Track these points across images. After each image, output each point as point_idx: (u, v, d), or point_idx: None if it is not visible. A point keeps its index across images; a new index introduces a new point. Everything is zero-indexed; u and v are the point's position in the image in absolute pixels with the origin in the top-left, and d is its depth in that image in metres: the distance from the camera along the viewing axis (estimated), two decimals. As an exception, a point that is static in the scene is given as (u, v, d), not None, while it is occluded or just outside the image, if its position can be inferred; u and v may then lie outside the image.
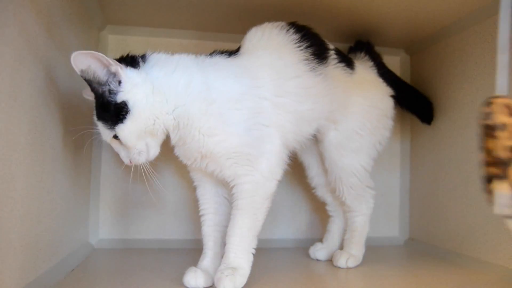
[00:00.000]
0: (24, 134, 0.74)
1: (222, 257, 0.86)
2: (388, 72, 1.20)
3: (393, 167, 1.41)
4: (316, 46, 0.96)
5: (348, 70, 1.05)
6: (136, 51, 1.23)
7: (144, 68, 0.82)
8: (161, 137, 0.85)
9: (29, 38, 0.74)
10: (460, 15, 1.11)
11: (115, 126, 0.79)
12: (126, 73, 0.79)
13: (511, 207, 0.52)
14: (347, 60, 1.07)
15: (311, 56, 0.95)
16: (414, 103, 1.25)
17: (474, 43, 1.10)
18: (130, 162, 0.83)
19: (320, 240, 1.18)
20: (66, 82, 0.95)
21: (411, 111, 1.25)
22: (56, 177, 0.90)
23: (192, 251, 0.98)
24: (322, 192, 1.17)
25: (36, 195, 0.79)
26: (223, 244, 0.88)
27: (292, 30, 0.94)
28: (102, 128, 0.82)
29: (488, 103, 0.57)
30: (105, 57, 0.76)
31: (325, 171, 1.10)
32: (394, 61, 1.39)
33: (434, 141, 1.26)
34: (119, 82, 0.79)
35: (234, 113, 0.85)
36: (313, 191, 1.19)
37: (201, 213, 0.95)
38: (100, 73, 0.78)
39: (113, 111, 0.79)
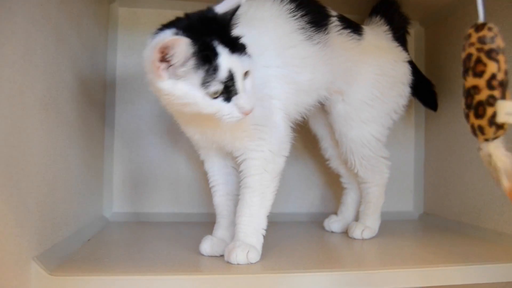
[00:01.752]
0: (38, 98, 0.73)
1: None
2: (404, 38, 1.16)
3: (408, 140, 1.39)
4: (312, 14, 0.92)
5: (355, 36, 1.01)
6: (146, 24, 1.25)
7: None
8: None
9: (41, 2, 0.73)
10: (478, -19, 1.07)
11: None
12: None
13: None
14: (353, 27, 1.02)
15: (307, 25, 0.91)
16: (419, 86, 1.15)
17: (493, 10, 1.06)
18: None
19: (334, 214, 1.17)
20: (78, 52, 0.94)
21: (414, 95, 1.16)
22: (71, 146, 0.90)
23: (206, 224, 0.98)
24: (336, 164, 1.16)
25: (52, 161, 0.79)
26: (235, 213, 0.86)
27: (286, 0, 0.91)
28: (240, 61, 0.73)
29: (489, 28, 0.57)
30: None
31: (337, 142, 1.07)
32: (408, 34, 1.36)
33: (449, 113, 1.24)
34: None
35: None
36: (327, 163, 1.17)
37: (211, 184, 0.93)
38: None
39: None
